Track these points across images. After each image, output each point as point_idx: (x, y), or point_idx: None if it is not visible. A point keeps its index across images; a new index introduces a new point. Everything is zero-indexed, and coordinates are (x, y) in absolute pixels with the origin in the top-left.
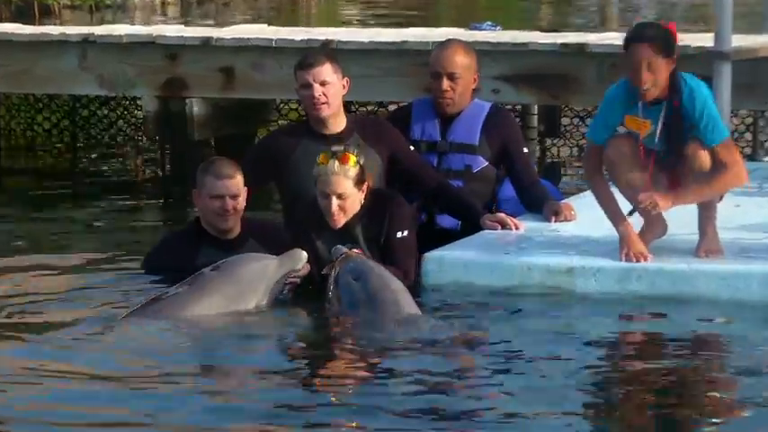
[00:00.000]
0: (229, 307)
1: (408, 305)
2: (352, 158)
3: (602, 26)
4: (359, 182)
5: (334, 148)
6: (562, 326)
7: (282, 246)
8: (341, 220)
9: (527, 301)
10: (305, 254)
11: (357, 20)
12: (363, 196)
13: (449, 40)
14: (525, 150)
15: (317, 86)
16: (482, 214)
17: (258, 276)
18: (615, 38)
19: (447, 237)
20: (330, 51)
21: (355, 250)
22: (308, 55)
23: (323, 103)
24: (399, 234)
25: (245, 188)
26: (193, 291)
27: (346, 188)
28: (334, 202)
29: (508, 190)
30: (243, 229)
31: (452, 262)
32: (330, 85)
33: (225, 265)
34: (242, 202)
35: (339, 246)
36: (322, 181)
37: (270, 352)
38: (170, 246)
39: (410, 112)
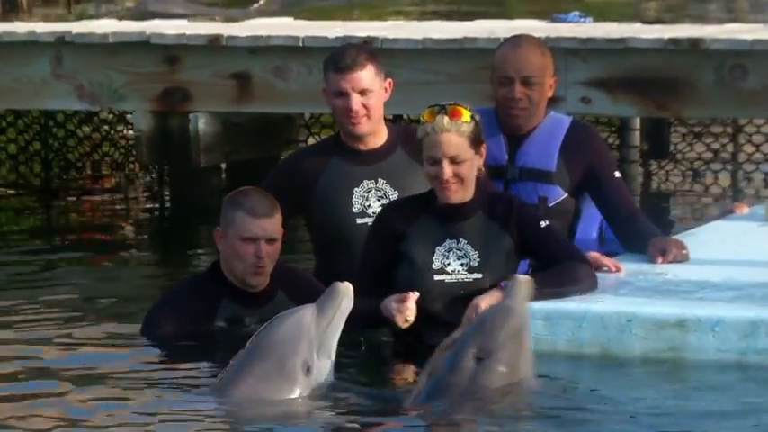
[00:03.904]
0: (272, 384)
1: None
2: (466, 112)
3: (729, 15)
4: (476, 142)
5: (443, 102)
6: (670, 396)
7: None
8: (457, 191)
9: (625, 362)
10: (348, 285)
11: (409, 11)
12: (482, 163)
13: (518, 37)
14: (617, 174)
15: (355, 96)
16: None
17: (294, 335)
18: (739, 31)
19: None
20: (370, 47)
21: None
22: (344, 52)
23: (362, 117)
24: (543, 223)
25: (282, 229)
26: (227, 377)
27: (461, 149)
28: (447, 167)
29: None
30: (271, 280)
31: (529, 313)
32: (372, 94)
33: (255, 338)
34: (279, 247)
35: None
36: (428, 143)
37: None
38: (180, 300)
39: None
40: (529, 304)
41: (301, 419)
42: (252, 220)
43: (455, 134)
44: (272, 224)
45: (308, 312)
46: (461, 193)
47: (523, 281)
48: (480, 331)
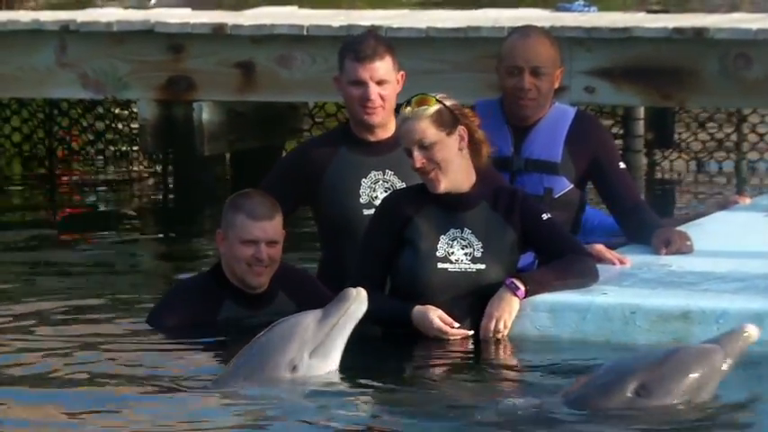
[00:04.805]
0: (256, 381)
1: None
2: (431, 99)
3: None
4: (445, 124)
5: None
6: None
7: (322, 303)
8: (438, 179)
9: (629, 355)
10: (360, 290)
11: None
12: (465, 145)
13: (527, 27)
14: (622, 165)
15: (372, 86)
16: None
17: (286, 337)
18: (743, 20)
19: None
20: (386, 38)
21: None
22: (363, 41)
23: (378, 107)
24: (545, 216)
25: (283, 231)
26: (220, 377)
27: (425, 132)
28: (417, 153)
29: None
30: (272, 281)
31: (533, 305)
32: (388, 85)
33: (253, 341)
34: (279, 250)
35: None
36: (400, 135)
37: None
38: (183, 301)
39: None
40: (731, 358)
41: (280, 417)
42: (252, 222)
43: (416, 120)
44: (273, 226)
45: (309, 315)
46: (445, 181)
47: (753, 333)
48: (657, 367)
